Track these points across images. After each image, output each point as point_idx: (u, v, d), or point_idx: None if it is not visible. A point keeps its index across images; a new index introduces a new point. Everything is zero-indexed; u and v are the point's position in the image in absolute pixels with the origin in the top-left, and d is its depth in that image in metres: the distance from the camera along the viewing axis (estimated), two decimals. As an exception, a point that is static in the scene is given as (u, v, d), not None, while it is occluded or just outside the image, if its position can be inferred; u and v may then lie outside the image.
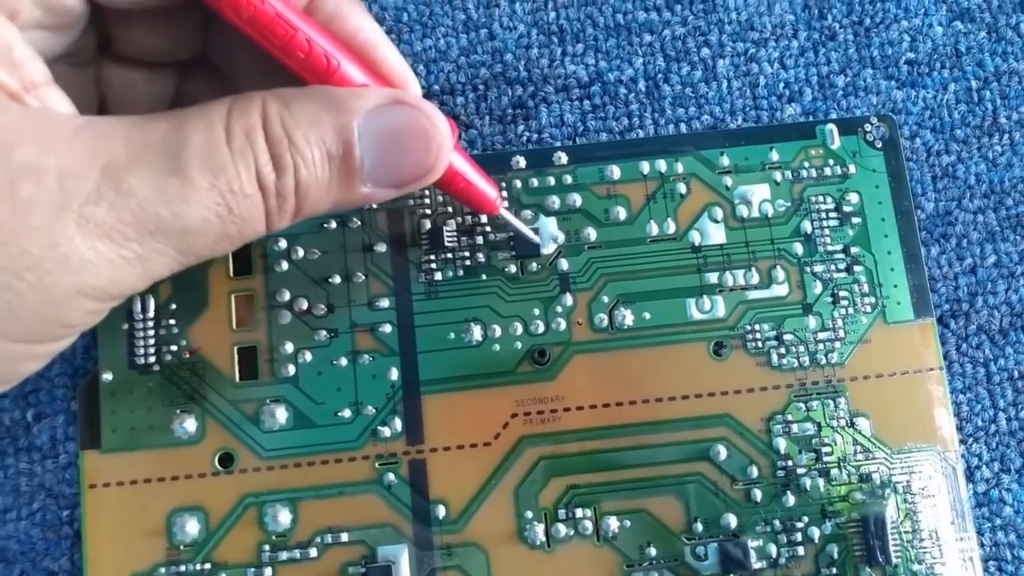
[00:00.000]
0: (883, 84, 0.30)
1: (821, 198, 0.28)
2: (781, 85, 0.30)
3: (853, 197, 0.28)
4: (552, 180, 0.28)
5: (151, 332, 0.27)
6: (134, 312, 0.27)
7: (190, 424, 0.26)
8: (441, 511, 0.26)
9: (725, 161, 0.29)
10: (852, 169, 0.28)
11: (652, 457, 0.26)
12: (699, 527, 0.26)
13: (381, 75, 0.23)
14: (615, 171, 0.28)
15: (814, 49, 0.31)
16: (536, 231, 0.27)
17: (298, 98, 0.21)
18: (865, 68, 0.30)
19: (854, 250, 0.28)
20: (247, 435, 0.26)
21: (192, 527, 0.26)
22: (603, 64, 0.30)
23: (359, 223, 0.28)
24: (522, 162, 0.28)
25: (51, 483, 0.27)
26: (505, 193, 0.28)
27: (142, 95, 0.25)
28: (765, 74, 0.30)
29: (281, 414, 0.26)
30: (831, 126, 0.29)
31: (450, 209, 0.28)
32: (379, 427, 0.26)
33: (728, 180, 0.28)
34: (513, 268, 0.28)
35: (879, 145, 0.28)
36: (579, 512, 0.26)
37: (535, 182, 0.28)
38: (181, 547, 0.26)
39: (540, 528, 0.26)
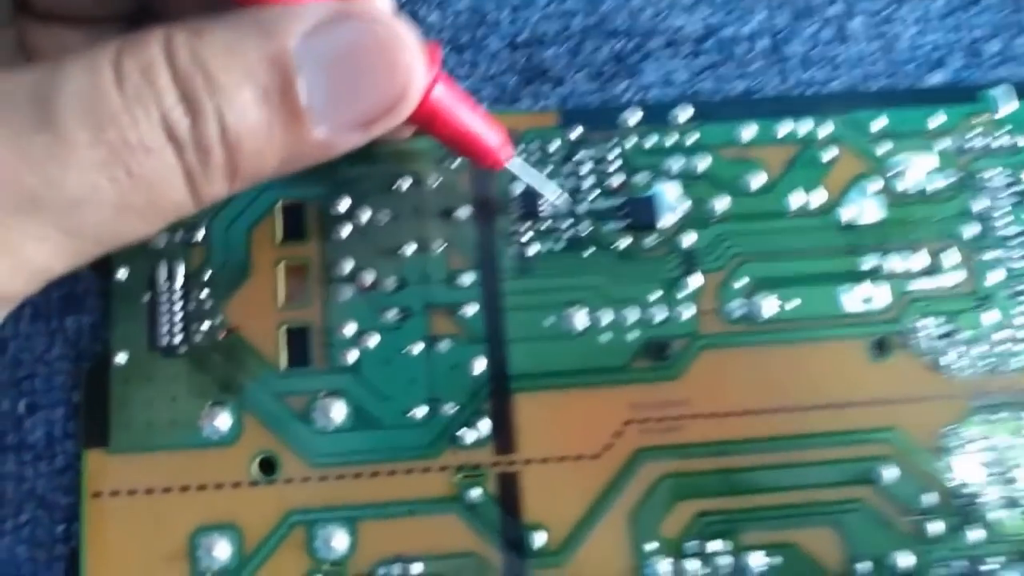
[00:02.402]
0: (1042, 53, 0.26)
1: (992, 173, 0.24)
2: (924, 50, 0.26)
3: (1031, 173, 0.23)
4: (672, 139, 0.24)
5: (178, 306, 0.22)
6: (158, 281, 0.22)
7: (223, 420, 0.21)
8: (539, 539, 0.21)
9: (879, 125, 0.24)
10: (1027, 141, 0.24)
11: (801, 478, 0.22)
12: (862, 567, 0.21)
13: None
14: (748, 132, 0.24)
15: (963, 9, 0.27)
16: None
17: (213, 25, 0.16)
18: (1020, 35, 0.27)
19: (1036, 236, 0.23)
20: (294, 436, 0.22)
21: (222, 550, 0.21)
22: (719, 18, 0.26)
23: (438, 182, 0.23)
24: (637, 116, 0.24)
25: (44, 490, 0.22)
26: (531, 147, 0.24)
27: None
28: (905, 37, 0.26)
29: (338, 411, 0.22)
30: (1004, 89, 0.24)
31: (551, 167, 0.23)
32: (460, 431, 0.22)
33: (883, 148, 0.24)
34: (625, 242, 0.23)
35: (1059, 115, 0.24)
36: (713, 545, 0.21)
37: (651, 141, 0.24)
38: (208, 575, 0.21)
39: (665, 564, 0.21)
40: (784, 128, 0.24)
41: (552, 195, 0.22)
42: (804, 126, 0.24)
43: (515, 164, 0.22)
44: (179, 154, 0.16)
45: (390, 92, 0.18)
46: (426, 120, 0.20)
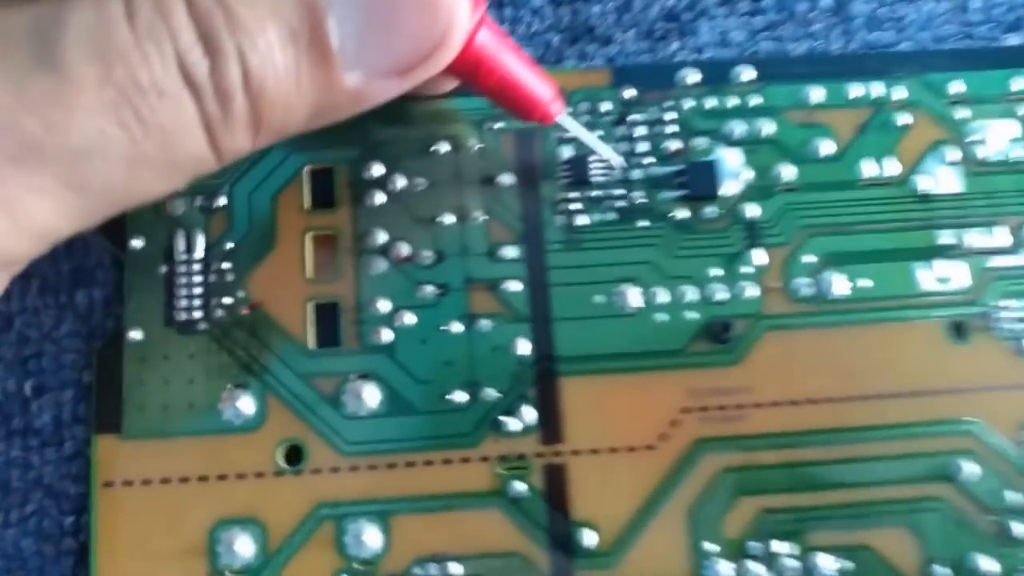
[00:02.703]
0: None
1: (1080, 141, 0.22)
2: (999, 10, 0.24)
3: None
4: (733, 101, 0.22)
5: (198, 279, 0.21)
6: (176, 251, 0.21)
7: (246, 404, 0.20)
8: (588, 538, 0.19)
9: (956, 88, 0.22)
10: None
11: (874, 473, 0.20)
12: (941, 572, 0.19)
13: None
14: (816, 93, 0.22)
15: (1043, -37, 0.25)
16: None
17: None
18: (1105, -5, 0.24)
19: None
20: (323, 422, 0.20)
21: (244, 546, 0.19)
22: (779, -28, 0.24)
23: (479, 146, 0.21)
24: (695, 76, 0.22)
25: (51, 479, 0.21)
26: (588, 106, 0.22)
27: None
28: (980, -6, 0.24)
29: (370, 395, 0.20)
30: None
31: (601, 131, 0.22)
32: (503, 417, 0.20)
33: (962, 112, 0.22)
34: (683, 213, 0.21)
35: None
36: (777, 546, 0.19)
37: (711, 103, 0.22)
38: (227, 573, 0.19)
39: (725, 567, 0.19)
40: (855, 90, 0.22)
41: (606, 154, 0.21)
42: (876, 88, 0.22)
43: (566, 119, 0.20)
44: (196, 100, 0.15)
45: (430, 35, 0.16)
46: (469, 68, 0.18)
